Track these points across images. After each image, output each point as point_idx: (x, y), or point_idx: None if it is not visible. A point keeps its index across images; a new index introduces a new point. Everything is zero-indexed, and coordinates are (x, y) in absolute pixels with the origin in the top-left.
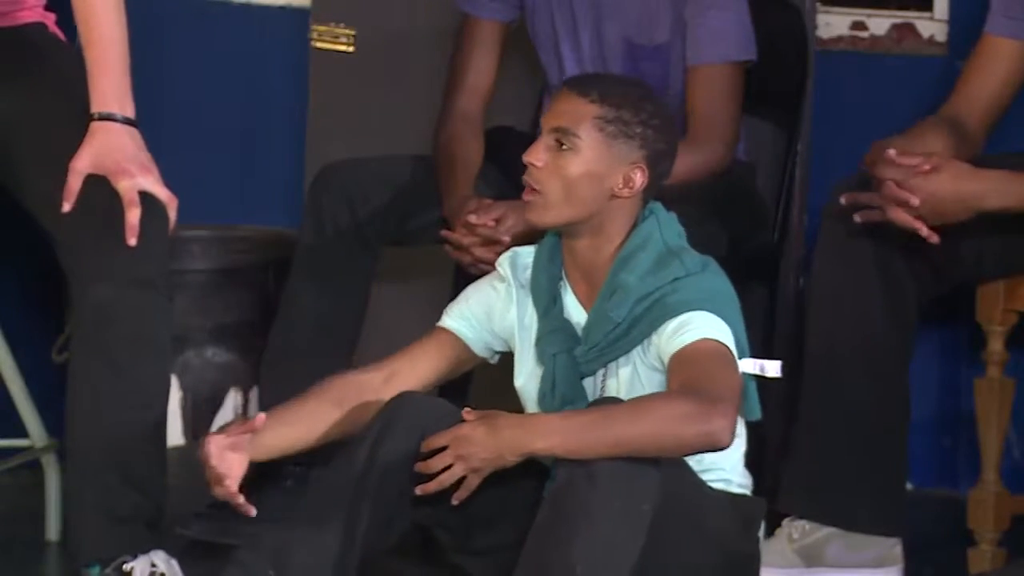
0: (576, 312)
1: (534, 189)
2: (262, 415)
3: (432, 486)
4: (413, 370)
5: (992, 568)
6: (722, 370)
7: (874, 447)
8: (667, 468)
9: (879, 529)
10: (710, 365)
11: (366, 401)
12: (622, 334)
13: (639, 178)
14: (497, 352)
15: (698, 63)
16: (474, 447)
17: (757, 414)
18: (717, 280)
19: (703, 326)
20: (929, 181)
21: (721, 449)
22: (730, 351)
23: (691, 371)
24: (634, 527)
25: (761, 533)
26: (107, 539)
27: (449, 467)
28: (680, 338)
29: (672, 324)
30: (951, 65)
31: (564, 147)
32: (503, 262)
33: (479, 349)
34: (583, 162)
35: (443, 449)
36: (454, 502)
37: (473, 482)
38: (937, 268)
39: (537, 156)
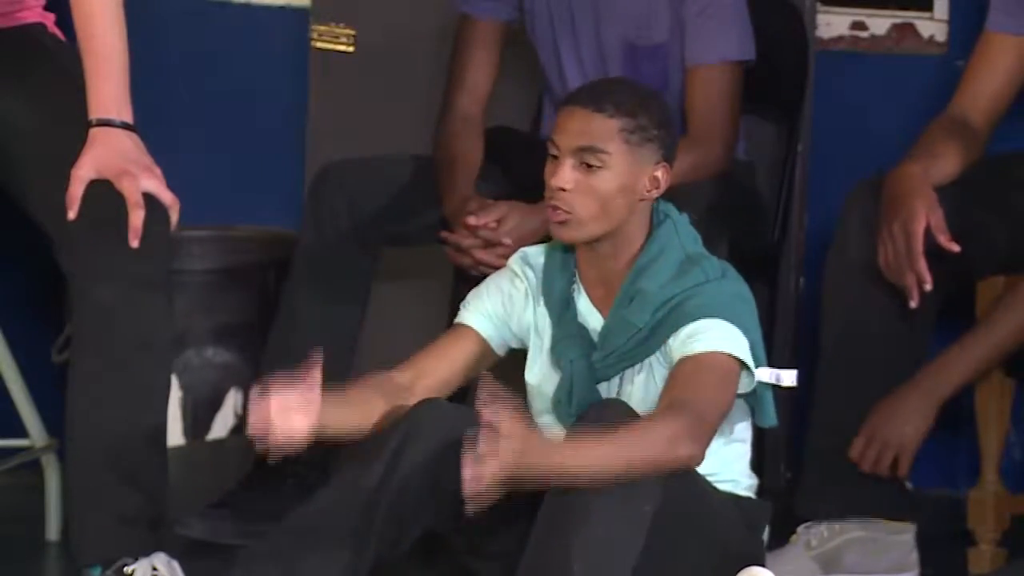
0: (591, 317)
1: (563, 210)
2: (316, 364)
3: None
4: (437, 370)
5: (992, 568)
6: (716, 389)
7: None
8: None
9: (895, 514)
10: (707, 382)
11: (400, 399)
12: (643, 339)
13: (663, 176)
14: (510, 349)
15: (697, 63)
16: (509, 447)
17: (773, 422)
18: (736, 286)
19: (716, 337)
20: None
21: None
22: (735, 367)
23: (686, 384)
24: (634, 528)
25: (765, 535)
26: (108, 540)
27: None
28: (691, 344)
29: (687, 329)
30: (951, 65)
31: (593, 166)
32: (515, 262)
33: (497, 346)
34: (616, 176)
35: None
36: (468, 511)
37: (488, 493)
38: (955, 261)
39: (566, 179)
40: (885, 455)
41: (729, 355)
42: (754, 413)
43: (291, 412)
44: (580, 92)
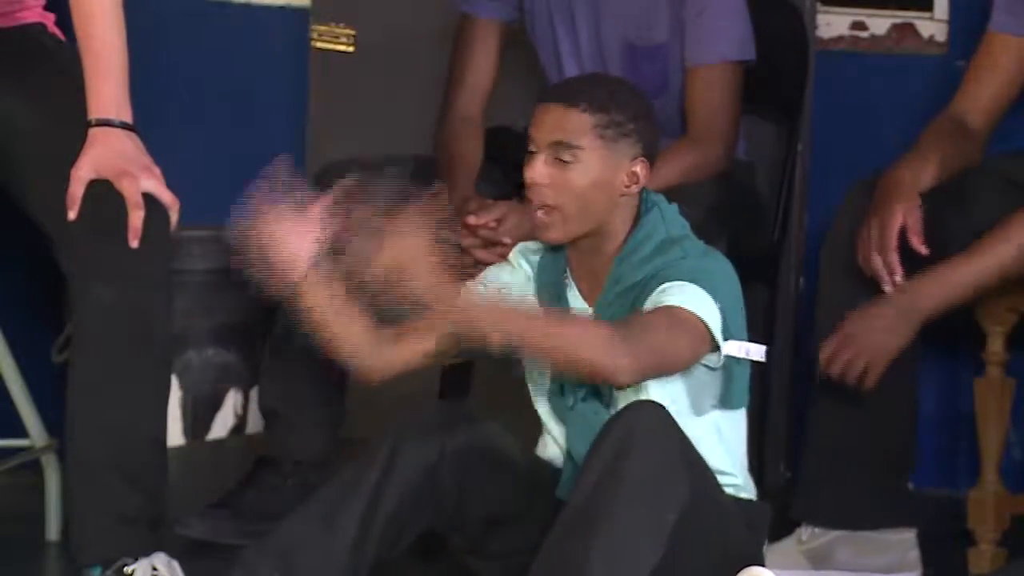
0: (580, 308)
1: (548, 206)
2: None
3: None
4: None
5: (992, 568)
6: (669, 332)
7: (883, 451)
8: (695, 478)
9: (890, 524)
10: (663, 325)
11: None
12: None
13: (642, 171)
14: None
15: (697, 63)
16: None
17: (743, 404)
18: (717, 263)
19: (685, 297)
20: None
21: (615, 383)
22: (699, 326)
23: (640, 322)
24: (656, 536)
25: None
26: (108, 540)
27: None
28: (658, 297)
29: (658, 289)
30: (951, 65)
31: (567, 161)
32: (514, 256)
33: None
34: (589, 171)
35: None
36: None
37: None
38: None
39: (539, 173)
40: (856, 363)
41: (694, 314)
42: (724, 395)
43: (292, 235)
44: (555, 87)
